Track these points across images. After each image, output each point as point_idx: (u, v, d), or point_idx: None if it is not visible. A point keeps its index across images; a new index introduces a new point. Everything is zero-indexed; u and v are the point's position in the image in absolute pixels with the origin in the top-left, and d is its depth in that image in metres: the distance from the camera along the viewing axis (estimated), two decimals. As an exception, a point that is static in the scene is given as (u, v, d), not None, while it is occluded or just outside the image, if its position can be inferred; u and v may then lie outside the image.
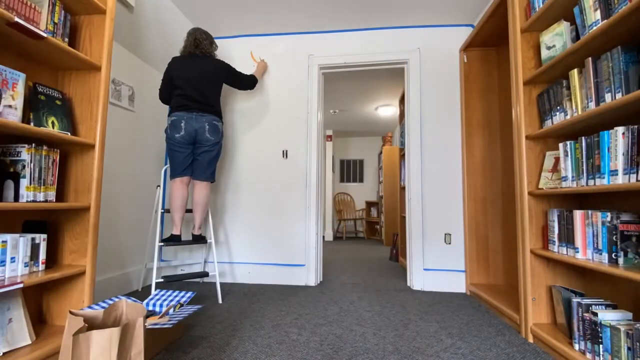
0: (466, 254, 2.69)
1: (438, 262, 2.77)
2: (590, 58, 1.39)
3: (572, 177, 1.51)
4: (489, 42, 2.64)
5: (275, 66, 3.11)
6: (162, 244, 2.23)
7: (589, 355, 1.36)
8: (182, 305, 1.82)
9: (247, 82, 2.62)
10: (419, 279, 2.77)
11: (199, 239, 2.39)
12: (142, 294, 2.54)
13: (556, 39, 1.62)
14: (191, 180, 2.38)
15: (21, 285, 1.25)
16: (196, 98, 2.29)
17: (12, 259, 1.33)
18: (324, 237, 6.70)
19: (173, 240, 2.28)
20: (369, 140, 7.87)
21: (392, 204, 5.67)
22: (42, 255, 1.45)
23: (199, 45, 2.40)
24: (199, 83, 2.31)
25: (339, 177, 7.87)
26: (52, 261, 1.61)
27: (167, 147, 2.32)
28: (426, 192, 2.83)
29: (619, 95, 1.25)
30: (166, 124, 3.10)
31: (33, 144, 1.40)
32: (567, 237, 1.55)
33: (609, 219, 1.33)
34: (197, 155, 2.35)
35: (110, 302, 1.51)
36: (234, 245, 3.01)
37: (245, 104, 3.11)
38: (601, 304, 1.38)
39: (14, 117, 1.34)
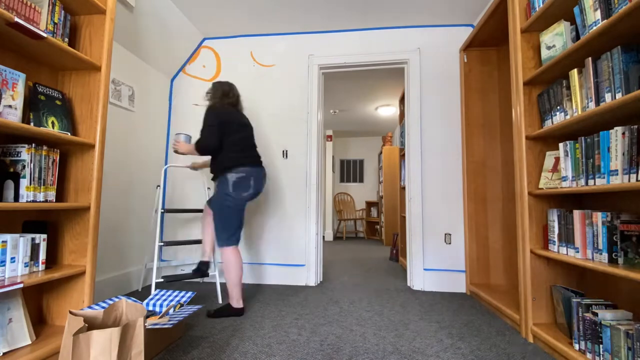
0: (466, 254, 2.69)
1: (438, 262, 2.77)
2: (590, 58, 1.39)
3: (572, 177, 1.51)
4: (489, 42, 2.64)
5: (276, 66, 3.11)
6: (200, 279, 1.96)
7: (589, 355, 1.36)
8: (182, 305, 1.82)
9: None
10: (419, 279, 2.77)
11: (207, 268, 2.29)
12: (142, 294, 2.54)
13: (556, 39, 1.62)
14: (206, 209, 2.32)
15: (21, 286, 1.25)
16: (255, 150, 2.19)
17: (12, 259, 1.33)
18: (324, 237, 6.70)
19: (238, 314, 2.05)
20: (369, 140, 7.87)
21: (392, 204, 5.67)
22: (42, 255, 1.45)
23: (239, 102, 2.29)
24: (252, 136, 2.20)
25: (339, 177, 7.87)
26: (52, 261, 1.61)
27: (232, 207, 2.03)
28: (426, 192, 2.83)
29: (619, 95, 1.25)
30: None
31: (33, 144, 1.40)
32: (567, 237, 1.55)
33: (609, 219, 1.33)
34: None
35: (110, 302, 1.51)
36: (234, 245, 3.01)
37: (245, 103, 3.10)
38: (601, 304, 1.38)
39: (14, 117, 1.34)
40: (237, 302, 2.04)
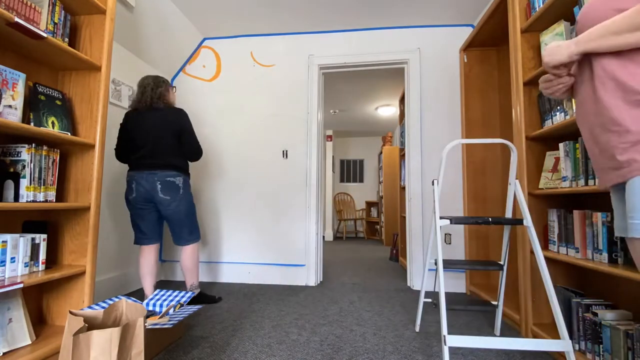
0: (466, 254, 2.69)
1: (438, 262, 2.77)
2: (590, 58, 1.39)
3: (572, 177, 1.51)
4: (489, 42, 2.64)
5: (276, 66, 3.11)
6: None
7: (589, 355, 1.36)
8: (182, 305, 1.82)
9: (195, 151, 2.16)
10: (419, 279, 2.77)
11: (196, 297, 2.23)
12: (142, 294, 2.53)
13: (556, 39, 1.61)
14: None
15: (21, 286, 1.25)
16: (145, 154, 2.03)
17: (12, 259, 1.33)
18: (324, 237, 6.70)
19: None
20: (369, 140, 7.87)
21: (392, 204, 5.67)
22: (42, 255, 1.45)
23: (145, 95, 2.08)
24: (149, 138, 2.03)
25: (339, 177, 7.87)
26: (52, 261, 1.61)
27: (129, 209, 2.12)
28: (426, 192, 2.83)
29: (619, 95, 1.25)
30: None
31: (33, 144, 1.40)
32: (567, 237, 1.55)
33: (609, 219, 1.33)
34: (165, 218, 2.12)
35: (110, 302, 1.51)
36: (234, 245, 3.01)
37: (245, 103, 3.10)
38: (601, 304, 1.38)
39: (14, 117, 1.34)
40: (145, 297, 2.10)
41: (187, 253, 2.18)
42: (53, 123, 1.50)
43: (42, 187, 1.43)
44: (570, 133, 1.69)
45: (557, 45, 0.91)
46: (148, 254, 2.12)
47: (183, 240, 2.15)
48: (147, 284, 2.12)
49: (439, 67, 2.91)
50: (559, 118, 1.60)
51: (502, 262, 1.70)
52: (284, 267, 2.93)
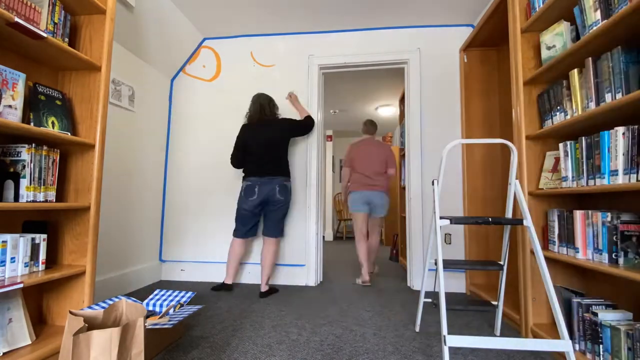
0: (466, 254, 2.69)
1: (438, 262, 2.77)
2: (590, 58, 1.39)
3: (572, 177, 1.51)
4: (489, 42, 2.64)
5: (276, 66, 3.11)
6: (213, 290, 2.60)
7: (589, 356, 1.36)
8: (182, 305, 1.82)
9: (306, 126, 2.70)
10: (419, 279, 2.77)
11: (267, 294, 2.52)
12: (142, 294, 2.53)
13: (556, 39, 1.62)
14: (262, 237, 2.64)
15: (21, 286, 1.25)
16: (266, 163, 2.51)
17: (12, 259, 1.33)
18: (324, 237, 6.70)
19: (224, 289, 2.59)
20: (369, 140, 7.85)
21: (392, 204, 5.67)
22: (42, 255, 1.45)
23: (264, 110, 2.61)
24: (267, 148, 2.52)
25: (339, 177, 7.87)
26: (52, 261, 1.61)
27: (237, 208, 2.59)
28: (426, 192, 2.83)
29: (619, 96, 1.25)
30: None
31: (33, 144, 1.40)
32: (567, 237, 1.55)
33: (609, 219, 1.33)
34: (268, 213, 2.55)
35: (110, 302, 1.51)
36: (234, 245, 3.00)
37: (246, 103, 3.10)
38: (601, 304, 1.38)
39: (14, 117, 1.34)
40: (228, 278, 2.61)
41: (273, 245, 2.57)
42: (53, 123, 1.50)
43: (42, 187, 1.43)
44: (570, 133, 1.69)
45: None
46: (239, 246, 2.58)
47: (277, 232, 2.57)
48: (231, 270, 2.58)
49: (439, 67, 2.91)
50: (559, 118, 1.60)
51: (502, 262, 1.70)
52: (284, 267, 2.93)
